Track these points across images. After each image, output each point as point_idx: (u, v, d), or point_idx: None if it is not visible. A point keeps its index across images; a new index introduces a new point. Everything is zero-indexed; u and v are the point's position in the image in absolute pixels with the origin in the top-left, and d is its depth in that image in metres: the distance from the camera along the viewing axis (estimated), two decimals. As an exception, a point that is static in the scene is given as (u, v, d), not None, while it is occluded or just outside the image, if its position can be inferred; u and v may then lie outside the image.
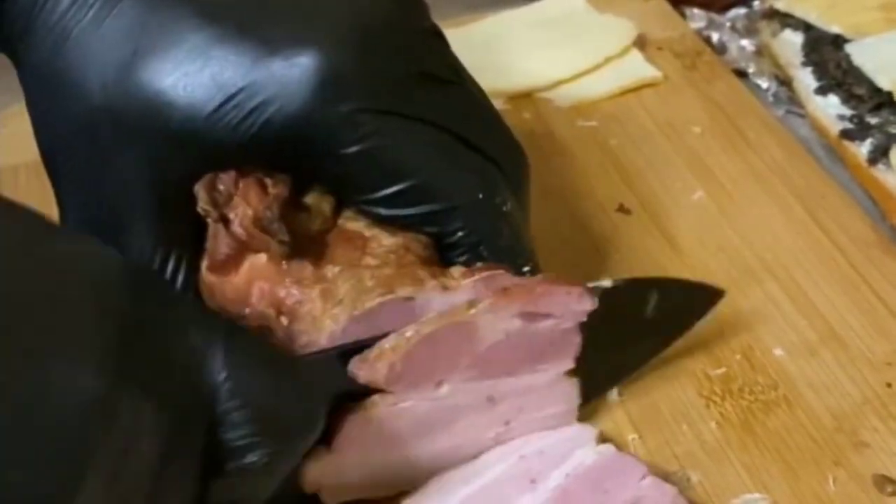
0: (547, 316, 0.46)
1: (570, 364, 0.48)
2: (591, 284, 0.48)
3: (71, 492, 0.33)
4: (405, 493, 0.47)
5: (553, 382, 0.48)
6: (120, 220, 0.46)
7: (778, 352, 0.53)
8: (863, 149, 0.61)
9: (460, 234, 0.48)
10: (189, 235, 0.47)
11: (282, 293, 0.46)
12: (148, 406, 0.36)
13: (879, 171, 0.60)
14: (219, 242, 0.46)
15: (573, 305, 0.46)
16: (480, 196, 0.48)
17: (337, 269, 0.46)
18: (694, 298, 0.52)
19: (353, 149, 0.45)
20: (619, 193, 0.63)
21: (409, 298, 0.45)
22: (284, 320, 0.46)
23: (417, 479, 0.48)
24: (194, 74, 0.45)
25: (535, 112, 0.69)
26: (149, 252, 0.47)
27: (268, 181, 0.46)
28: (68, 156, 0.47)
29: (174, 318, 0.39)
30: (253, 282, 0.46)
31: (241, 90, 0.45)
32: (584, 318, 0.47)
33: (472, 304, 0.45)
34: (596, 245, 0.60)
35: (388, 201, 0.46)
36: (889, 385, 0.51)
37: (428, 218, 0.47)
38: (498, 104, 0.68)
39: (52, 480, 0.33)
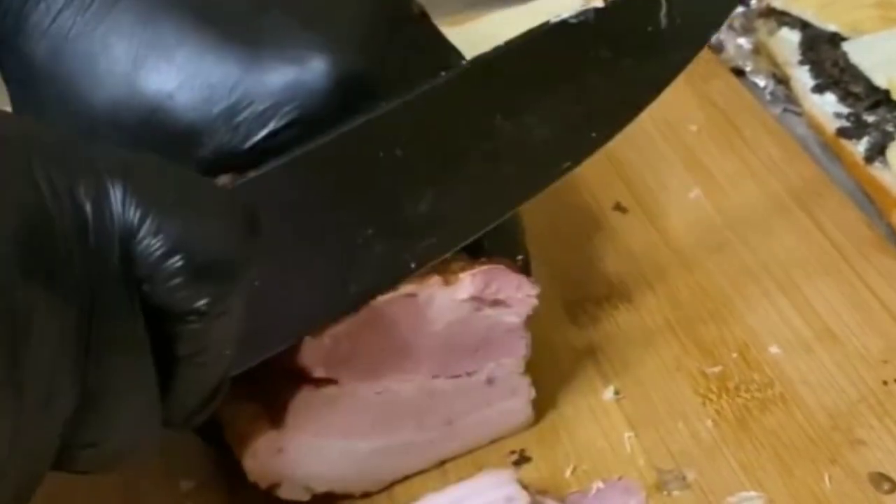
0: (496, 303, 0.46)
1: (519, 362, 0.48)
2: (575, 11, 0.46)
3: None
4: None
5: (503, 379, 0.48)
6: None
7: (774, 349, 0.53)
8: (859, 147, 0.61)
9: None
10: None
11: None
12: (46, 294, 0.33)
13: (876, 169, 0.60)
14: None
15: (520, 291, 0.46)
16: None
17: None
18: (707, 3, 0.49)
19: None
20: (616, 192, 0.63)
21: (412, 295, 0.45)
22: None
23: (369, 476, 0.48)
24: (201, 76, 0.44)
25: (532, 110, 0.69)
26: None
27: None
28: None
29: (71, 158, 0.35)
30: None
31: (248, 93, 0.44)
32: (531, 312, 0.47)
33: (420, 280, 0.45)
34: (593, 243, 0.60)
35: None
36: (885, 383, 0.51)
37: None
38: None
39: None
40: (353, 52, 0.44)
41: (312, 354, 0.44)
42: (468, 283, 0.46)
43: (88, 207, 0.34)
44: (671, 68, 0.49)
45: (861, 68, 0.65)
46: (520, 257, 0.49)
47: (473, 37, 0.72)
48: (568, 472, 0.49)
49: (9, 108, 0.52)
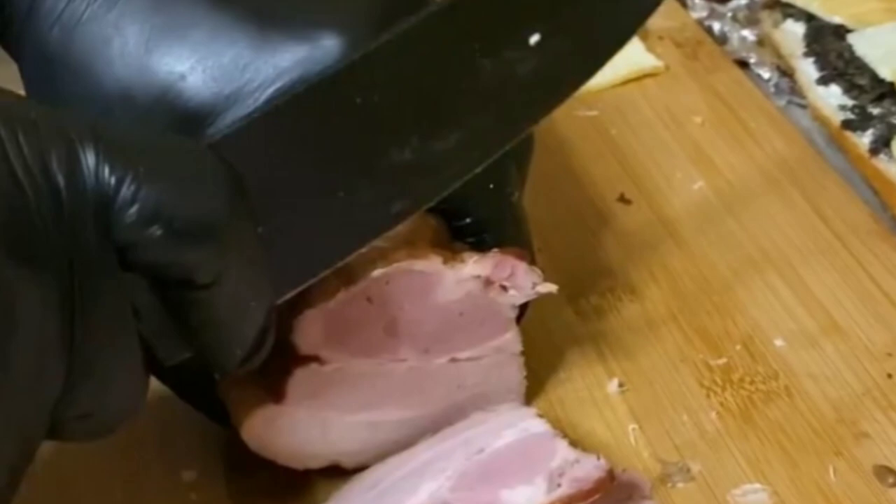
0: (500, 288, 0.46)
1: (514, 346, 0.48)
2: None
3: None
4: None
5: (495, 361, 0.49)
6: None
7: (778, 342, 0.53)
8: (864, 139, 0.61)
9: (468, 220, 0.47)
10: None
11: None
12: (27, 270, 0.33)
13: (881, 162, 0.60)
14: None
15: (524, 279, 0.47)
16: (492, 186, 0.47)
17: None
18: None
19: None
20: (620, 183, 0.63)
21: (420, 272, 0.45)
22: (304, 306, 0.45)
23: (365, 449, 0.48)
24: (213, 57, 0.44)
25: (536, 101, 0.69)
26: None
27: None
28: None
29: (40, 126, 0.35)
30: None
31: (260, 73, 0.44)
32: (534, 296, 0.47)
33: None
34: (596, 235, 0.60)
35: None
36: (889, 376, 0.51)
37: (439, 203, 0.46)
38: (498, 93, 0.68)
39: None
40: (364, 30, 0.44)
41: (309, 332, 0.45)
42: (476, 265, 0.46)
43: (61, 178, 0.34)
44: (649, 4, 0.48)
45: (866, 60, 0.65)
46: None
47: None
48: (572, 464, 0.49)
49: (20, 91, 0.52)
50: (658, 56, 0.72)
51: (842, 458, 0.48)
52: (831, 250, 0.58)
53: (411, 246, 0.46)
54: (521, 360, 0.49)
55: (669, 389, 0.51)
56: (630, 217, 0.61)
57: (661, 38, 0.73)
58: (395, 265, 0.45)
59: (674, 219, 0.60)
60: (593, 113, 0.68)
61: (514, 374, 0.50)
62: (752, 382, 0.51)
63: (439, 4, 0.45)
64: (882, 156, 0.60)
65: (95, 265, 0.35)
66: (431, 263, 0.45)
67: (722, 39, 0.76)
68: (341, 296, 0.45)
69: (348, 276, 0.45)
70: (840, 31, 0.67)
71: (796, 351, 0.53)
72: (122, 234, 0.35)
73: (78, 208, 0.34)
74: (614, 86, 0.70)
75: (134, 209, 0.35)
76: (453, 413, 0.49)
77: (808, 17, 0.70)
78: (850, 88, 0.64)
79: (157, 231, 0.35)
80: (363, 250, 0.43)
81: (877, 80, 0.64)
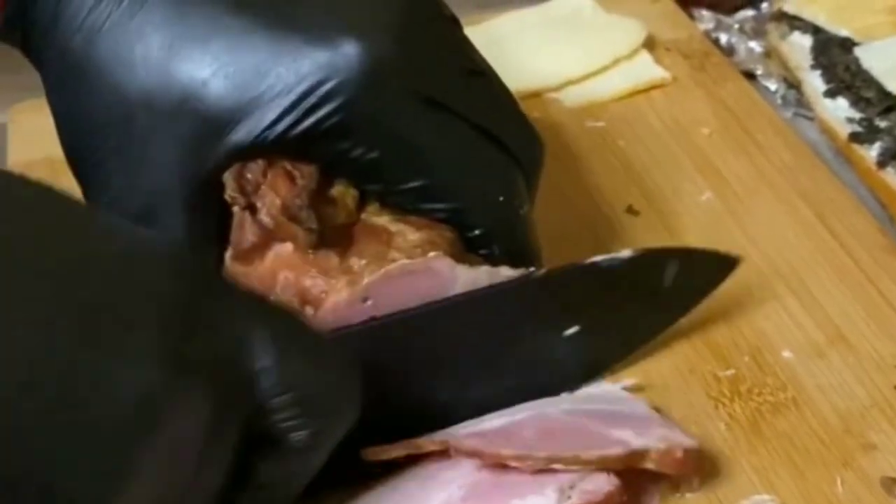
0: None
1: None
2: (608, 256, 0.50)
3: (124, 488, 0.34)
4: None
5: None
6: (153, 209, 0.47)
7: (786, 353, 0.53)
8: (872, 152, 0.62)
9: (477, 232, 0.48)
10: (216, 227, 0.47)
11: (307, 282, 0.47)
12: (200, 396, 0.36)
13: (888, 175, 0.60)
14: (245, 231, 0.47)
15: None
16: (501, 199, 0.48)
17: (363, 261, 0.47)
18: (710, 266, 0.53)
19: (391, 137, 0.46)
20: (628, 194, 0.63)
21: (439, 270, 0.47)
22: (310, 310, 0.46)
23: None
24: (234, 63, 0.45)
25: (545, 112, 0.69)
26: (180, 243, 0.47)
27: (296, 172, 0.47)
28: (98, 148, 0.47)
29: (223, 304, 0.39)
30: (278, 271, 0.47)
31: (281, 79, 0.45)
32: None
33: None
34: (605, 245, 0.60)
35: (412, 194, 0.47)
36: (896, 388, 0.52)
37: (447, 215, 0.47)
38: (506, 104, 0.69)
39: (103, 478, 0.33)
40: (384, 36, 0.45)
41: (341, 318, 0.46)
42: (491, 270, 0.48)
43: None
44: (663, 323, 0.53)
45: (873, 73, 0.65)
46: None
47: (483, 38, 0.72)
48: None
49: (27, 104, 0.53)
50: (666, 67, 0.72)
51: (850, 469, 0.48)
52: (838, 262, 0.58)
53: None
54: None
55: (678, 400, 0.52)
56: (639, 228, 0.61)
57: (668, 49, 0.74)
58: (406, 262, 0.47)
59: (682, 230, 0.61)
60: (602, 124, 0.69)
61: None
62: (760, 394, 0.52)
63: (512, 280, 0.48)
64: (889, 169, 0.60)
65: (232, 427, 0.38)
66: (447, 263, 0.47)
67: (729, 51, 0.76)
68: (344, 296, 0.46)
69: (354, 273, 0.47)
70: (847, 44, 0.68)
71: (804, 362, 0.53)
72: (258, 397, 0.38)
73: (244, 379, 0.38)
74: (622, 97, 0.70)
75: (276, 378, 0.39)
76: None
77: (815, 30, 0.70)
78: (857, 101, 0.65)
79: (289, 398, 0.39)
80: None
81: (884, 93, 0.64)
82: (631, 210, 0.62)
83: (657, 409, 0.51)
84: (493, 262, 0.48)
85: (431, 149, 0.47)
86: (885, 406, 0.51)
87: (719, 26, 0.78)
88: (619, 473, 0.45)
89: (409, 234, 0.48)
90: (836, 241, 0.59)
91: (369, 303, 0.47)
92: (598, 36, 0.73)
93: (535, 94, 0.70)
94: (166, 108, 0.45)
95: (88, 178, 0.49)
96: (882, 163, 0.61)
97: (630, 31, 0.73)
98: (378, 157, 0.46)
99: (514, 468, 0.45)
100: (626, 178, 0.64)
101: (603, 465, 0.45)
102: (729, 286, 0.57)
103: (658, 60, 0.72)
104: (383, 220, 0.48)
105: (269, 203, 0.46)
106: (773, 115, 0.69)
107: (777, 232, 0.60)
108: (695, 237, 0.60)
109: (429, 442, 0.47)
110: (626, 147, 0.67)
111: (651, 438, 0.47)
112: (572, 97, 0.70)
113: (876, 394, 0.51)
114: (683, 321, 0.55)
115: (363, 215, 0.49)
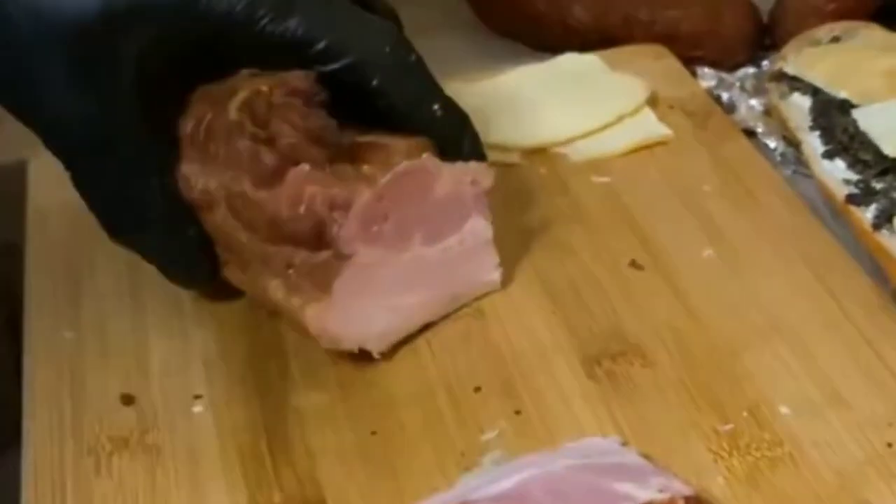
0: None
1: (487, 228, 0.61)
2: None
3: None
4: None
5: (477, 250, 0.61)
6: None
7: (784, 410, 0.55)
8: (868, 214, 0.63)
9: (375, 82, 0.58)
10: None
11: (334, 191, 0.55)
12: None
13: (884, 237, 0.62)
14: (261, 160, 0.55)
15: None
16: (387, 49, 0.59)
17: (374, 167, 0.56)
18: None
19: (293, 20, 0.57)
20: (632, 249, 0.65)
21: (425, 170, 0.58)
22: (338, 215, 0.55)
23: (391, 332, 0.59)
24: None
25: (551, 167, 0.71)
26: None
27: (311, 89, 0.57)
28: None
29: None
30: (304, 187, 0.55)
31: None
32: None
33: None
34: (609, 299, 0.62)
35: (318, 58, 0.58)
36: (890, 445, 0.53)
37: (349, 70, 0.58)
38: (513, 158, 0.71)
39: None
40: None
41: (349, 233, 0.55)
42: (466, 166, 0.59)
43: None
44: None
45: (870, 136, 0.66)
46: (436, 107, 0.60)
47: (491, 93, 0.75)
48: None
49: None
50: (668, 124, 0.74)
51: (844, 525, 0.50)
52: (834, 320, 0.60)
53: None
54: (493, 247, 0.61)
55: (678, 453, 0.53)
56: (642, 282, 0.63)
57: (671, 107, 0.76)
58: (409, 163, 0.56)
59: (684, 285, 0.63)
60: (606, 179, 0.70)
61: (490, 260, 0.62)
62: (758, 449, 0.53)
63: None
64: (884, 230, 0.62)
65: None
66: (436, 162, 0.58)
67: (730, 108, 0.79)
68: (367, 196, 0.55)
69: (369, 179, 0.56)
70: (845, 106, 0.69)
71: (801, 419, 0.55)
72: None
73: None
74: (627, 153, 0.72)
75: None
76: (449, 301, 0.61)
77: (814, 91, 0.72)
78: (855, 163, 0.66)
79: None
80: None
81: (880, 155, 0.65)
82: (635, 264, 0.64)
83: (646, 457, 0.52)
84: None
85: (322, 20, 0.58)
86: (879, 464, 0.52)
87: (721, 84, 0.81)
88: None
89: (399, 143, 0.58)
90: (832, 300, 0.61)
91: (384, 202, 0.56)
92: (603, 93, 0.75)
93: (543, 149, 0.72)
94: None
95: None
96: (877, 224, 0.62)
97: (634, 89, 0.75)
98: (286, 36, 0.57)
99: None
100: (630, 233, 0.66)
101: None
102: (729, 341, 0.59)
103: (661, 118, 0.74)
104: (370, 137, 0.58)
105: (288, 132, 0.55)
106: (772, 173, 0.71)
107: (775, 289, 0.62)
108: (696, 293, 0.62)
109: None
110: (631, 202, 0.69)
111: (651, 490, 0.49)
112: (578, 152, 0.72)
113: (870, 451, 0.53)
114: (685, 375, 0.57)
115: (350, 140, 0.58)
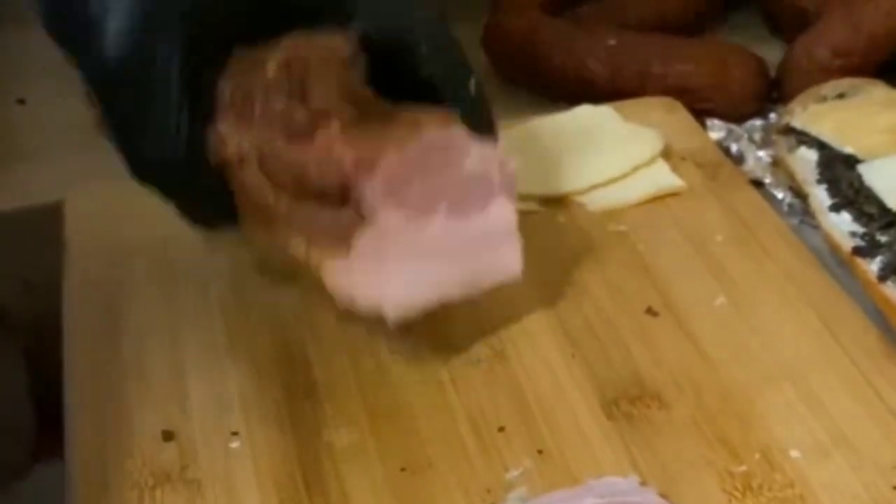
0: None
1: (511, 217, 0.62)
2: None
3: None
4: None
5: (499, 236, 0.62)
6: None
7: (794, 453, 0.58)
8: (873, 266, 0.65)
9: (423, 49, 0.59)
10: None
11: (362, 151, 0.56)
12: None
13: (888, 288, 0.64)
14: (294, 117, 0.56)
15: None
16: (436, 20, 0.61)
17: (404, 133, 0.58)
18: None
19: None
20: (648, 296, 0.68)
21: (453, 143, 0.59)
22: (364, 175, 0.56)
23: (408, 302, 0.59)
24: None
25: (569, 215, 0.75)
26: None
27: (351, 51, 0.58)
28: None
29: None
30: (333, 146, 0.56)
31: None
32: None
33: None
34: (626, 344, 0.65)
35: (372, 17, 0.59)
36: (895, 488, 0.56)
37: (400, 35, 0.59)
38: (531, 206, 0.74)
39: None
40: None
41: (373, 195, 0.57)
42: (492, 146, 0.61)
43: None
44: None
45: (875, 190, 0.69)
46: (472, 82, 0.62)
47: (508, 144, 0.77)
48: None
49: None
50: (681, 175, 0.77)
51: (852, 565, 0.53)
52: (842, 367, 0.63)
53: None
54: (516, 236, 0.62)
55: (694, 492, 0.56)
56: (657, 328, 0.66)
57: (683, 159, 0.79)
58: (439, 133, 0.58)
59: (697, 332, 0.65)
60: (622, 228, 0.73)
61: (513, 249, 0.62)
62: (770, 489, 0.56)
63: None
64: (889, 282, 0.64)
65: None
66: (466, 138, 0.59)
67: (739, 159, 0.81)
68: (395, 158, 0.57)
69: (398, 143, 0.57)
70: (850, 161, 0.72)
71: (810, 461, 0.57)
72: None
73: None
74: (642, 203, 0.75)
75: None
76: (469, 282, 0.61)
77: (821, 145, 0.75)
78: (860, 216, 0.69)
79: None
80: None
81: (885, 209, 0.68)
82: (650, 311, 0.67)
83: (664, 496, 0.55)
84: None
85: None
86: (885, 505, 0.55)
87: (730, 136, 0.84)
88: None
89: (431, 115, 0.59)
90: (839, 347, 0.64)
91: (411, 167, 0.57)
92: (619, 144, 0.78)
93: (561, 198, 0.75)
94: None
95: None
96: (883, 276, 0.65)
97: (649, 141, 0.78)
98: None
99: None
100: (645, 281, 0.69)
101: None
102: (741, 385, 0.62)
103: (674, 169, 0.77)
104: (402, 108, 0.59)
105: (323, 90, 0.56)
106: (780, 223, 0.74)
107: (785, 336, 0.65)
108: (709, 339, 0.65)
109: None
110: (646, 251, 0.72)
111: None
112: (596, 201, 0.75)
113: (876, 494, 0.55)
114: (700, 418, 0.60)
115: (387, 106, 0.59)
